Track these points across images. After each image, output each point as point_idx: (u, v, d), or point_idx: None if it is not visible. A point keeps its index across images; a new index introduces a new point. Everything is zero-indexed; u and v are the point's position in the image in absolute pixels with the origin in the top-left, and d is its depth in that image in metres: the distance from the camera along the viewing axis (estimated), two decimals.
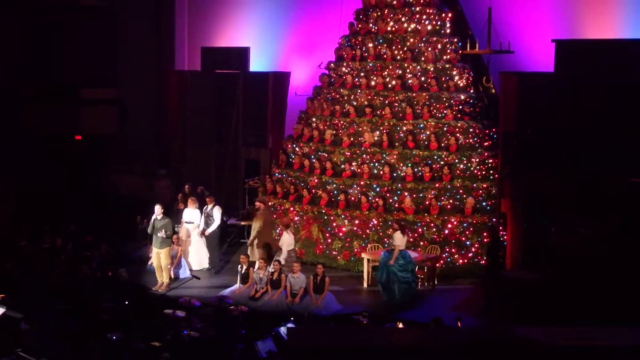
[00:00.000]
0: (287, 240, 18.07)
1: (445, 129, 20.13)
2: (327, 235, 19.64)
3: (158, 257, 18.22)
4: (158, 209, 18.25)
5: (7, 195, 23.77)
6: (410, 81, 20.80)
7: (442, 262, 18.94)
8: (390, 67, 21.14)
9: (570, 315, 15.12)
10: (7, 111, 24.95)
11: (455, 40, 21.35)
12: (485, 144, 20.30)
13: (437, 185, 19.41)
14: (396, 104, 20.63)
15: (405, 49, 21.22)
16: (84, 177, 25.17)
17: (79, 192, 24.33)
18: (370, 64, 21.37)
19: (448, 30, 21.62)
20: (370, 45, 21.62)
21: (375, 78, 21.14)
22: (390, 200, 19.52)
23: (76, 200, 23.63)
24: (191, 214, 19.42)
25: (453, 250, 19.01)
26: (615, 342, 6.30)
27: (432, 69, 20.87)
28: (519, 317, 15.66)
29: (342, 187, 19.95)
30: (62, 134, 25.46)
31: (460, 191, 19.44)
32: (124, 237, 21.24)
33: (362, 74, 21.34)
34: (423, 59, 21.05)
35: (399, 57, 21.27)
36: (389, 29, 21.67)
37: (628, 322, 13.98)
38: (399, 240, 17.49)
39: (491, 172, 19.89)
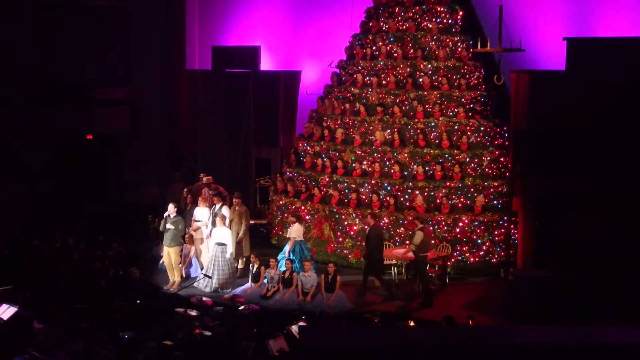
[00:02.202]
0: (229, 235, 18.11)
1: (456, 127, 20.11)
2: (339, 234, 19.65)
3: (169, 255, 18.28)
4: (171, 207, 18.31)
5: (22, 195, 23.86)
6: (421, 79, 20.79)
7: (453, 260, 18.94)
8: (401, 65, 21.14)
9: (580, 313, 15.11)
10: (19, 111, 25.04)
11: (466, 38, 21.30)
12: (497, 142, 20.27)
13: (448, 183, 19.39)
14: (407, 103, 20.62)
15: (416, 47, 21.21)
16: (96, 176, 25.25)
17: (92, 192, 24.43)
18: (381, 63, 21.37)
19: (459, 29, 21.59)
20: (381, 43, 21.61)
21: (386, 77, 21.13)
22: (402, 199, 19.53)
23: (89, 200, 23.73)
24: (201, 213, 19.43)
25: (464, 248, 19.00)
26: (624, 341, 6.30)
27: (443, 67, 20.85)
28: (530, 316, 15.65)
29: (353, 186, 19.96)
30: (75, 133, 25.53)
31: (472, 190, 19.42)
32: (136, 236, 21.29)
33: (373, 73, 21.34)
34: (434, 57, 21.03)
35: (410, 56, 21.26)
36: (400, 27, 21.67)
37: (634, 322, 13.97)
38: (296, 232, 18.24)
39: (502, 170, 19.86)
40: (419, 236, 17.30)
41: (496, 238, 19.10)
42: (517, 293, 16.99)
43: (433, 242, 18.92)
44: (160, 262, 19.18)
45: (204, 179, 21.48)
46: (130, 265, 18.03)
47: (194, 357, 12.83)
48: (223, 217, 18.28)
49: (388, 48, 21.52)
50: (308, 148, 21.58)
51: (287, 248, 18.29)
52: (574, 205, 17.69)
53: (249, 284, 17.65)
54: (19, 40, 25.18)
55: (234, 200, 19.27)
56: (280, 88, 24.39)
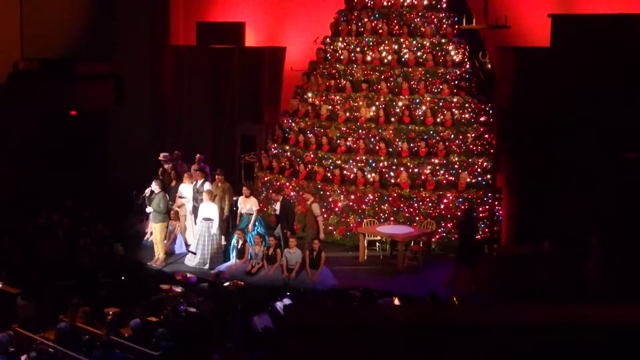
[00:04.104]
0: (216, 210, 18.15)
1: (441, 104, 20.12)
2: (323, 210, 19.66)
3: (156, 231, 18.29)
4: (154, 184, 18.26)
5: (7, 172, 23.75)
6: (406, 56, 20.77)
7: (437, 237, 19.02)
8: (387, 42, 21.09)
9: (563, 291, 15.20)
10: (2, 87, 24.88)
11: (452, 15, 21.27)
12: (481, 119, 20.31)
13: (432, 160, 19.44)
14: (392, 79, 20.60)
15: (401, 23, 21.16)
16: (80, 153, 25.15)
17: (75, 168, 24.33)
18: (367, 39, 21.31)
19: (444, 5, 21.54)
20: (367, 20, 21.55)
21: (371, 53, 21.09)
22: (387, 176, 19.56)
23: (73, 176, 23.63)
24: (186, 189, 19.40)
25: (449, 225, 19.07)
26: (606, 319, 6.34)
27: (428, 44, 20.82)
28: (513, 292, 15.74)
29: (338, 163, 19.97)
30: (58, 109, 25.39)
31: (456, 166, 19.47)
32: (121, 212, 21.25)
33: (358, 49, 21.29)
34: (419, 33, 21.00)
35: (395, 32, 21.22)
36: (385, 3, 21.60)
37: (621, 299, 14.08)
38: (257, 204, 18.62)
39: (487, 147, 19.91)
40: (317, 207, 18.01)
41: (480, 215, 19.18)
42: (500, 270, 17.07)
43: (418, 218, 19.01)
44: (145, 238, 19.17)
45: (161, 155, 21.10)
46: (115, 241, 18.03)
47: (178, 333, 12.86)
48: (209, 193, 18.28)
49: (373, 24, 21.46)
50: (293, 124, 21.55)
51: (251, 223, 18.31)
52: (558, 183, 17.75)
53: (233, 260, 17.68)
54: (3, 15, 24.95)
55: (216, 177, 19.21)
56: (265, 64, 24.30)
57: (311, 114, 21.20)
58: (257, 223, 18.40)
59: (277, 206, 18.57)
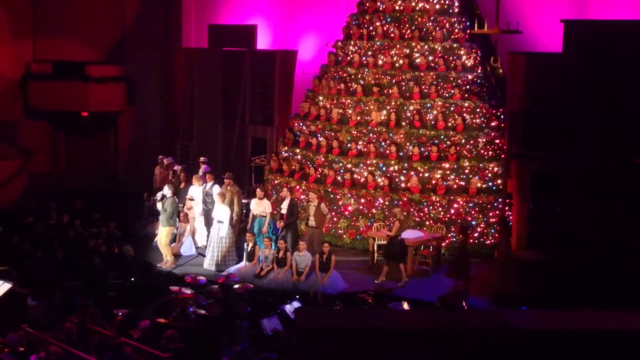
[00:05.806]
0: (227, 212, 18.14)
1: (452, 108, 20.10)
2: (333, 213, 19.66)
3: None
4: (166, 188, 18.27)
5: (18, 172, 23.85)
6: (417, 60, 20.74)
7: (447, 241, 18.98)
8: (398, 46, 21.07)
9: (574, 296, 15.16)
10: (14, 87, 25.01)
11: (464, 19, 21.24)
12: (493, 124, 20.27)
13: (443, 165, 19.41)
14: (403, 83, 20.59)
15: (413, 27, 21.13)
16: (91, 153, 25.26)
17: (86, 169, 24.44)
18: (378, 43, 21.30)
19: (456, 10, 21.51)
20: (378, 24, 21.54)
21: (382, 57, 21.08)
22: (397, 180, 19.54)
23: (84, 177, 23.73)
24: (195, 192, 19.42)
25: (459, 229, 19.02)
26: (617, 327, 6.33)
27: (439, 48, 20.80)
28: (524, 298, 15.70)
29: (348, 166, 19.97)
30: (70, 110, 25.50)
31: (467, 171, 19.44)
32: (131, 214, 21.29)
33: (369, 53, 21.28)
34: (431, 38, 20.98)
35: (406, 36, 21.19)
36: (396, 7, 21.58)
37: (631, 305, 14.04)
38: (270, 206, 18.56)
39: (498, 152, 19.87)
40: (324, 206, 18.31)
41: (491, 220, 19.14)
42: (510, 274, 17.04)
43: (428, 223, 18.99)
44: (155, 239, 19.20)
45: (166, 161, 21.32)
46: (125, 243, 18.05)
47: (187, 335, 12.87)
48: (222, 195, 18.30)
49: (385, 28, 21.44)
50: (304, 128, 21.55)
51: (265, 225, 18.30)
52: (569, 187, 17.73)
53: (243, 263, 17.68)
54: (14, 17, 25.09)
55: (225, 180, 19.21)
56: (277, 67, 24.28)
57: (322, 117, 21.19)
58: (270, 225, 18.39)
59: (285, 204, 18.54)
